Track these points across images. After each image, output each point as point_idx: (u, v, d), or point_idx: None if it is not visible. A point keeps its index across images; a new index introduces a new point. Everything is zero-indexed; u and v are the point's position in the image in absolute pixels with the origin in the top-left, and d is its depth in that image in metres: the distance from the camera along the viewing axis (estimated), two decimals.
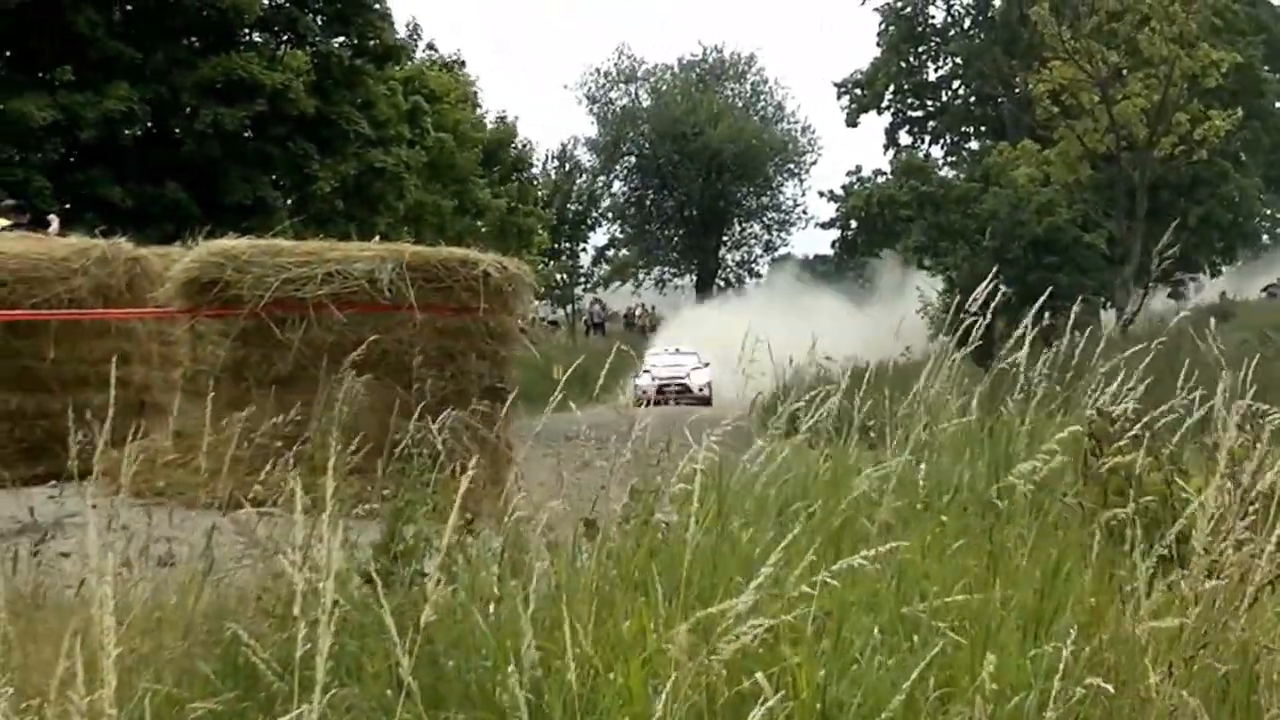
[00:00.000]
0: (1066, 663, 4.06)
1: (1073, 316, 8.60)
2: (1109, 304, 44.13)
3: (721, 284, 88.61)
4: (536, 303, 51.94)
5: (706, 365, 50.86)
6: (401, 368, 12.52)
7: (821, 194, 65.14)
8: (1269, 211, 64.79)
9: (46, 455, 11.85)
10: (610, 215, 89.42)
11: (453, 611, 5.11)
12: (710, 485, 6.31)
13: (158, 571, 6.04)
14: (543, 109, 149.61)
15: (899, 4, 69.04)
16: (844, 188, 61.82)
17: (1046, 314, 8.39)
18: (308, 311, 12.80)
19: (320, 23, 41.68)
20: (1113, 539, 5.43)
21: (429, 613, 4.32)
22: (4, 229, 18.31)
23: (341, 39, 42.20)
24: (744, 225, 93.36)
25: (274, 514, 5.74)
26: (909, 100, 71.29)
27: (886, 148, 71.34)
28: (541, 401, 6.82)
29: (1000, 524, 6.00)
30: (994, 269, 9.83)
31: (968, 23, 69.83)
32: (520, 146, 63.82)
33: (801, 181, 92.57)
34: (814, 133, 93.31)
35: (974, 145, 69.15)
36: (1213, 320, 8.43)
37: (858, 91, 70.27)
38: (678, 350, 56.09)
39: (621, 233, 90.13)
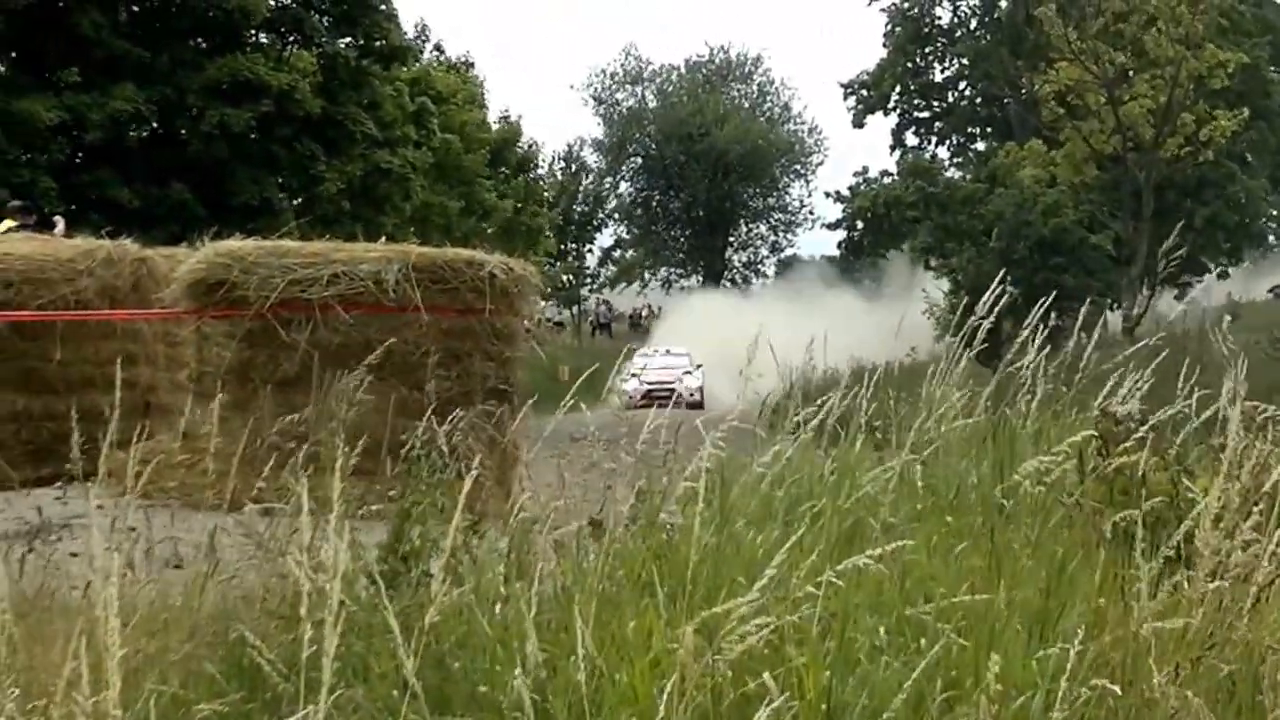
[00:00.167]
0: (1071, 663, 4.06)
1: (1080, 317, 8.60)
2: (1115, 305, 44.09)
3: (728, 284, 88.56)
4: (542, 303, 51.80)
5: (699, 367, 48.42)
6: (407, 369, 12.52)
7: (828, 195, 65.13)
8: (1275, 212, 64.77)
9: (52, 457, 11.85)
10: (616, 216, 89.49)
11: (458, 612, 5.11)
12: (716, 486, 6.32)
13: (164, 572, 6.05)
14: (548, 111, 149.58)
15: (905, 5, 69.00)
16: (850, 188, 61.72)
17: (1053, 315, 8.40)
18: (314, 312, 12.81)
19: (327, 24, 41.68)
20: (1118, 540, 5.42)
21: (434, 614, 4.33)
22: (10, 230, 18.33)
23: (348, 40, 42.21)
24: (750, 226, 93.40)
25: (280, 513, 5.74)
26: (915, 101, 71.24)
27: (893, 148, 71.40)
28: (547, 402, 6.83)
29: (1004, 524, 6.00)
30: (1000, 270, 9.83)
31: (974, 24, 69.80)
32: (526, 147, 63.86)
33: (808, 182, 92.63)
34: (820, 133, 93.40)
35: (980, 146, 69.13)
36: (1228, 318, 8.39)
37: (864, 92, 70.23)
38: (668, 351, 53.98)
39: (628, 233, 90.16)
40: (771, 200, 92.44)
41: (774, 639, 4.40)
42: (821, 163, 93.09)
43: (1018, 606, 5.14)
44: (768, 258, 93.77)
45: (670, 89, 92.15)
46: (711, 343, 47.03)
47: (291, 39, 41.63)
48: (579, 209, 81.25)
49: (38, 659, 4.55)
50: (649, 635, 4.77)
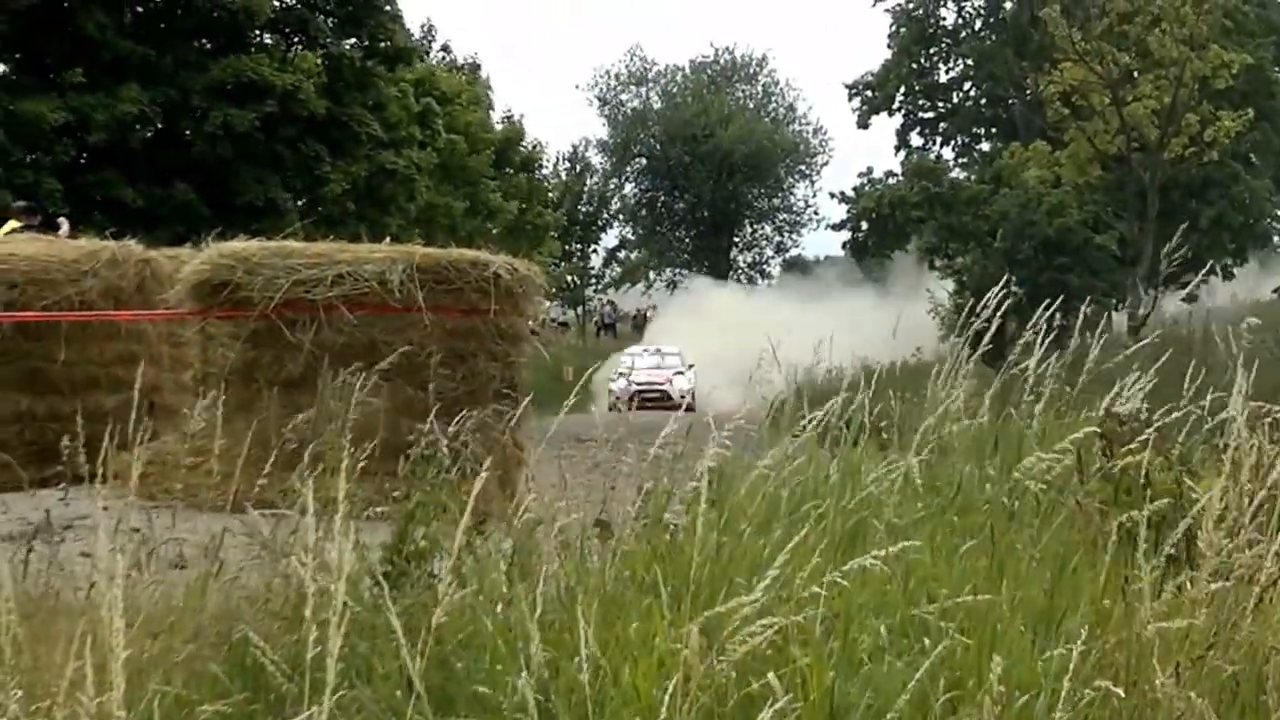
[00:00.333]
0: (1075, 664, 4.06)
1: (1081, 317, 8.61)
2: (1120, 305, 44.06)
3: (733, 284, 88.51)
4: (547, 304, 51.58)
5: (691, 367, 46.14)
6: (412, 369, 12.52)
7: (832, 195, 64.89)
8: None
9: (56, 457, 11.84)
10: (621, 217, 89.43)
11: (462, 613, 5.12)
12: (721, 486, 6.33)
13: (168, 573, 6.05)
14: (552, 112, 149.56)
15: (910, 6, 68.93)
16: (855, 189, 61.56)
17: (1058, 315, 8.40)
18: (318, 313, 12.82)
19: (331, 24, 41.72)
20: (1122, 541, 5.42)
21: (440, 614, 4.33)
22: (14, 231, 18.35)
23: (353, 41, 42.24)
24: (755, 227, 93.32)
25: (285, 514, 5.74)
26: (920, 102, 71.12)
27: (897, 149, 71.21)
28: (552, 402, 6.83)
29: (1007, 525, 6.01)
30: (1005, 270, 9.84)
31: (979, 24, 69.71)
32: (530, 147, 63.87)
33: (813, 183, 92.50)
34: (825, 134, 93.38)
35: (985, 147, 68.96)
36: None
37: (869, 93, 70.12)
38: (658, 351, 52.27)
39: (632, 234, 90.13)
40: (776, 201, 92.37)
41: (778, 639, 4.40)
42: (826, 163, 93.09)
43: (1021, 607, 5.15)
44: (772, 258, 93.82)
45: (675, 90, 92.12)
46: (710, 342, 46.44)
47: (296, 40, 41.66)
48: (584, 210, 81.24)
49: (41, 659, 4.55)
50: (653, 636, 4.78)
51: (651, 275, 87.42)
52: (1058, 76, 46.65)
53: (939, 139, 71.83)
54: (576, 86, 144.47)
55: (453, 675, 4.81)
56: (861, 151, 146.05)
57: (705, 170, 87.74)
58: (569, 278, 75.54)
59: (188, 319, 13.66)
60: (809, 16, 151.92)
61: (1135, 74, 45.77)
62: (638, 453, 7.06)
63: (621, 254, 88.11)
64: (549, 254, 60.68)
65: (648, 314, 79.67)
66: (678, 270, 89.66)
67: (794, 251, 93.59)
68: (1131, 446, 6.08)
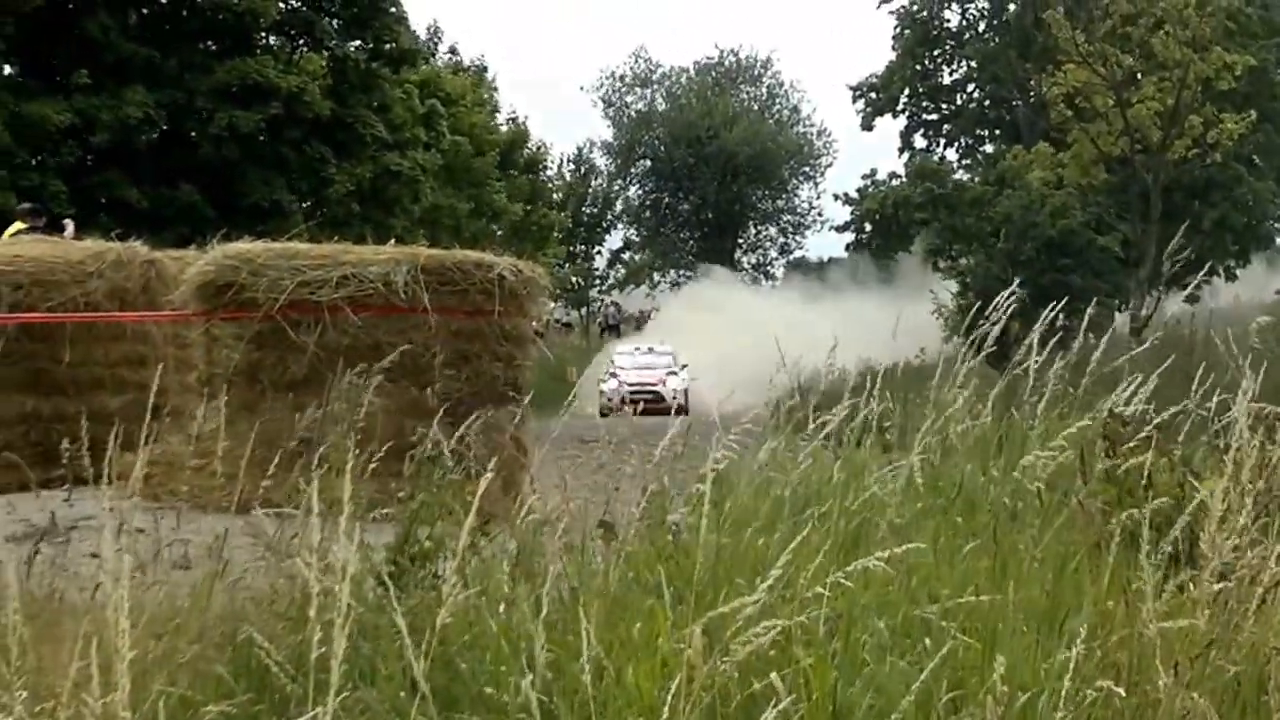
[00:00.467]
0: (1077, 664, 4.07)
1: (1085, 318, 8.61)
2: (1123, 306, 44.08)
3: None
4: (551, 305, 51.44)
5: (684, 367, 44.05)
6: (416, 370, 12.53)
7: (836, 197, 64.89)
8: None
9: (61, 458, 11.85)
10: (625, 218, 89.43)
11: (466, 614, 5.12)
12: (725, 487, 6.33)
13: (173, 574, 6.06)
14: (556, 114, 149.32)
15: (914, 8, 68.96)
16: (859, 190, 61.60)
17: (1061, 316, 8.40)
18: (323, 314, 12.83)
19: (336, 26, 41.77)
20: (1124, 541, 5.43)
21: (445, 615, 4.34)
22: (20, 233, 18.38)
23: (358, 43, 42.28)
24: (759, 228, 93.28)
25: (290, 514, 5.75)
26: (924, 103, 71.13)
27: (901, 151, 71.24)
28: (555, 404, 6.83)
29: (1009, 525, 6.01)
30: (1008, 271, 9.87)
31: (982, 26, 69.73)
32: (534, 148, 63.90)
33: (817, 184, 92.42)
34: (829, 136, 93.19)
35: (988, 148, 68.92)
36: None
37: (873, 95, 70.14)
38: (650, 350, 49.99)
39: (637, 236, 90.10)
40: (780, 202, 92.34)
41: (781, 640, 4.41)
42: (830, 165, 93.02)
43: (1023, 607, 5.15)
44: (776, 259, 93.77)
45: (680, 91, 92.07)
46: (710, 339, 45.95)
47: (301, 42, 41.72)
48: (588, 211, 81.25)
49: (46, 660, 4.56)
50: (656, 636, 4.78)
51: (656, 276, 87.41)
52: (1061, 78, 46.67)
53: (943, 140, 71.88)
54: (581, 88, 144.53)
55: (457, 676, 4.81)
56: (865, 153, 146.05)
57: (709, 172, 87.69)
58: (573, 279, 75.57)
59: (192, 320, 13.66)
60: (813, 18, 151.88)
61: (1138, 76, 45.79)
62: (641, 454, 7.07)
63: (626, 255, 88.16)
64: (553, 255, 60.63)
65: (651, 315, 79.63)
66: (682, 272, 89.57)
67: (798, 253, 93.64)
68: (1133, 445, 6.09)
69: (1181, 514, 5.15)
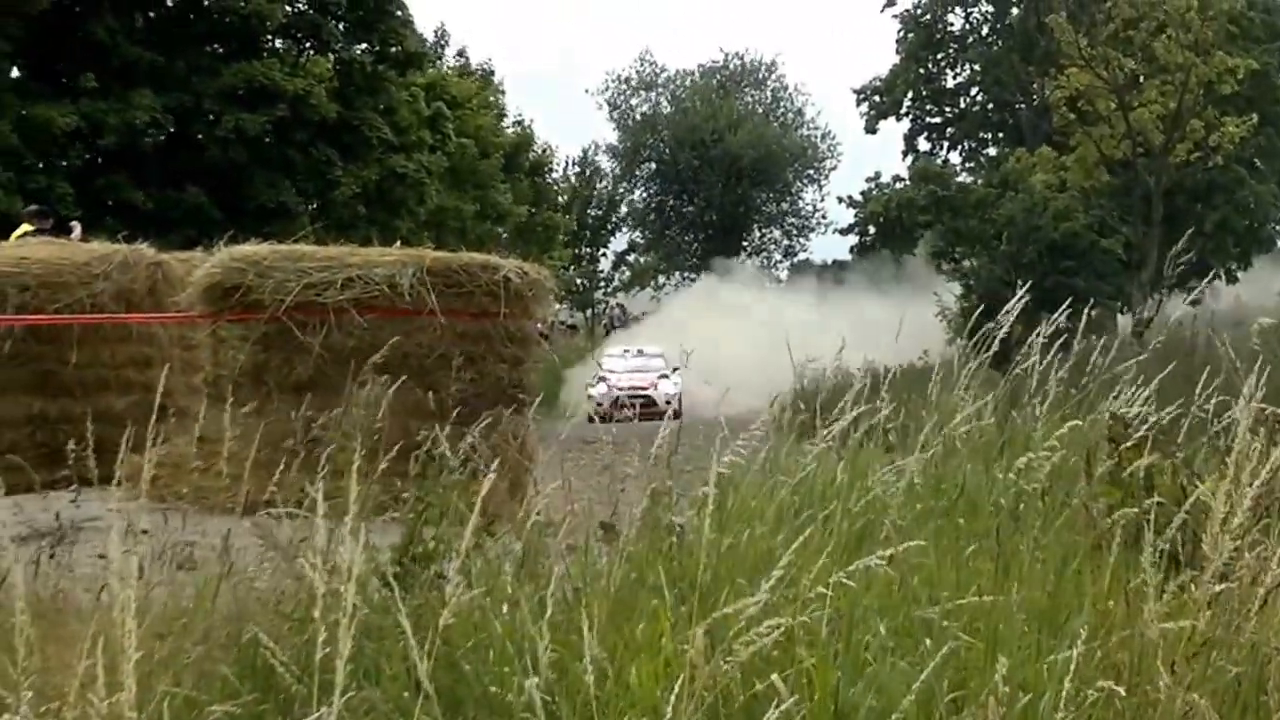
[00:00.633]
0: (1078, 664, 4.08)
1: (1084, 320, 8.63)
2: (1125, 309, 44.12)
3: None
4: (556, 306, 51.24)
5: (676, 370, 41.43)
6: (422, 372, 12.53)
7: (840, 200, 64.88)
8: None
9: (68, 459, 11.87)
10: (630, 221, 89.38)
11: (471, 614, 5.14)
12: (729, 489, 6.35)
13: (177, 575, 6.08)
14: (560, 116, 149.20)
15: (918, 11, 68.95)
16: (863, 193, 61.63)
17: (1063, 319, 8.42)
18: (329, 316, 12.82)
19: (343, 29, 41.81)
20: (1126, 542, 5.45)
21: (449, 615, 4.36)
22: (27, 235, 18.41)
23: (364, 46, 42.32)
24: (764, 231, 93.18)
25: (296, 515, 5.77)
26: (927, 107, 71.08)
27: (905, 154, 71.19)
28: (561, 405, 6.85)
29: (1010, 526, 6.03)
30: (1011, 273, 9.89)
31: (986, 30, 69.68)
32: (540, 151, 63.92)
33: (821, 187, 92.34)
34: (833, 139, 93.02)
35: (991, 151, 68.92)
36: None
37: (877, 98, 70.11)
38: (640, 352, 47.76)
39: (641, 238, 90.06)
40: (785, 205, 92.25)
41: (783, 640, 4.42)
42: (834, 168, 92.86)
43: (1025, 608, 5.17)
44: (780, 262, 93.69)
45: (684, 94, 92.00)
46: (714, 337, 45.57)
47: (308, 44, 41.77)
48: (593, 214, 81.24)
49: (52, 660, 4.58)
50: (659, 637, 4.80)
51: (660, 279, 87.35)
52: (1064, 82, 46.73)
53: (946, 144, 71.83)
54: (586, 91, 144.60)
55: (461, 676, 4.83)
56: (869, 156, 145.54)
57: (714, 174, 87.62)
58: (578, 281, 75.57)
59: (199, 322, 13.67)
60: (817, 22, 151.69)
61: (1141, 79, 45.84)
62: (645, 456, 7.09)
63: (630, 258, 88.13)
64: (559, 258, 60.62)
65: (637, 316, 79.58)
66: (686, 274, 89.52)
67: (802, 256, 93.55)
68: (1134, 445, 6.10)
69: (1183, 515, 5.17)
